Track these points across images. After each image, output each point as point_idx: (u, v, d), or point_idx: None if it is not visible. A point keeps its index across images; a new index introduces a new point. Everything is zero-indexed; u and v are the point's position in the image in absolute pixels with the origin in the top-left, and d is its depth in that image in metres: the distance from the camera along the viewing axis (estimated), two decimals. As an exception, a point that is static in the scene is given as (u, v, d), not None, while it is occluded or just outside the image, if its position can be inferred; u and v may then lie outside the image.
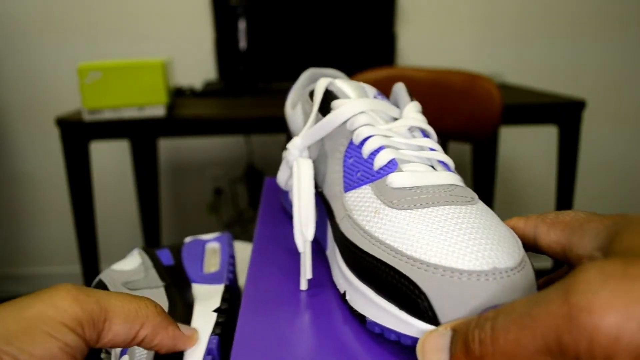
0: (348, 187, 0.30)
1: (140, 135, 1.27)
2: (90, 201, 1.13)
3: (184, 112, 1.10)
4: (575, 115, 1.13)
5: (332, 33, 1.41)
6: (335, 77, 0.39)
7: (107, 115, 1.04)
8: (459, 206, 0.25)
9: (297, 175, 0.31)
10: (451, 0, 1.54)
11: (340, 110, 0.31)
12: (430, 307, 0.22)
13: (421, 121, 0.31)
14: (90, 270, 1.16)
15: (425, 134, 0.31)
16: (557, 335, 0.16)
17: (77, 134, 1.06)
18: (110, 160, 1.58)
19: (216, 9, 1.39)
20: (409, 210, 0.25)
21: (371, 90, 0.33)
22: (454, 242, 0.23)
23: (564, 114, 1.15)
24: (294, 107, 0.39)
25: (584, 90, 1.60)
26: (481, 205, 0.26)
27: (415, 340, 0.22)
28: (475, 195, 0.27)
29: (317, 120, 0.33)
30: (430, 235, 0.24)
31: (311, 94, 0.35)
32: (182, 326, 0.26)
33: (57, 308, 0.21)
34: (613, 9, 1.57)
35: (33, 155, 1.58)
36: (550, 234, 0.24)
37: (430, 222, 0.24)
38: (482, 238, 0.23)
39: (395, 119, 0.32)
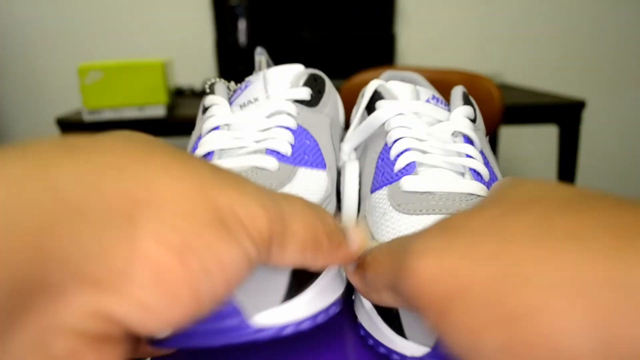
0: (374, 188, 0.29)
1: (140, 135, 1.28)
2: (90, 201, 1.13)
3: (184, 112, 1.10)
4: (575, 115, 1.13)
5: (332, 33, 1.42)
6: (411, 80, 0.38)
7: (107, 115, 1.04)
8: None
9: (344, 178, 0.31)
10: (451, 0, 1.54)
11: (381, 111, 0.31)
12: (397, 316, 0.21)
13: (465, 126, 0.29)
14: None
15: (469, 140, 0.29)
16: (393, 275, 0.16)
17: (77, 134, 1.06)
18: (110, 160, 1.58)
19: (216, 9, 1.39)
20: (413, 216, 0.25)
21: (426, 93, 0.32)
22: None
23: (564, 114, 1.15)
24: (356, 107, 0.40)
25: (584, 90, 1.60)
26: None
27: (387, 349, 0.22)
28: None
29: (362, 121, 0.33)
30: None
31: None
32: (351, 235, 0.21)
33: (247, 208, 0.16)
34: (613, 9, 1.57)
35: (33, 155, 1.59)
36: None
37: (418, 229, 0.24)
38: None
39: (440, 123, 0.31)
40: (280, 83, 0.32)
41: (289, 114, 0.30)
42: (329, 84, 0.34)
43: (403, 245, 0.17)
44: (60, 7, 1.46)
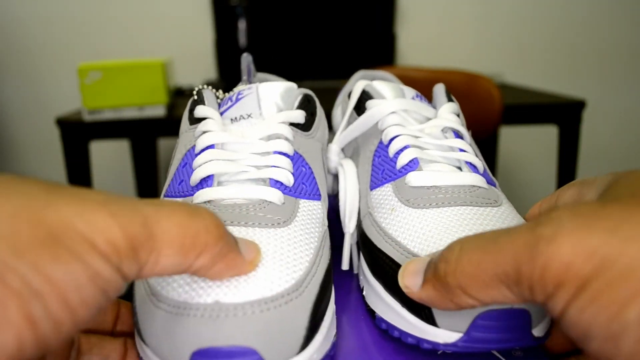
0: (373, 186, 0.30)
1: (140, 135, 1.27)
2: (90, 201, 1.13)
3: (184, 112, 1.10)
4: (575, 115, 1.13)
5: (332, 33, 1.41)
6: (384, 79, 0.39)
7: (107, 115, 1.04)
8: (476, 207, 0.25)
9: (344, 175, 0.32)
10: (451, 0, 1.54)
11: (373, 111, 0.31)
12: (425, 306, 0.21)
13: (454, 122, 0.31)
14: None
15: (458, 135, 0.30)
16: (517, 264, 0.16)
17: (77, 134, 1.06)
18: (110, 160, 1.58)
19: (216, 9, 1.39)
20: (424, 209, 0.25)
21: (410, 91, 0.33)
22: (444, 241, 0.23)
23: (564, 114, 1.15)
24: (337, 108, 0.40)
25: (584, 90, 1.60)
26: (505, 208, 0.26)
27: (415, 339, 0.22)
28: (501, 198, 0.27)
29: (351, 121, 0.34)
30: (438, 235, 0.23)
31: (350, 95, 0.36)
32: (243, 246, 0.20)
33: (88, 222, 0.14)
34: (613, 9, 1.57)
35: (33, 155, 1.58)
36: (567, 191, 0.23)
37: (442, 221, 0.24)
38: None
39: (430, 120, 0.32)
40: (273, 102, 0.30)
41: (287, 139, 0.28)
42: (319, 106, 0.33)
43: (515, 235, 0.17)
44: (60, 7, 1.46)
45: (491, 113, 0.95)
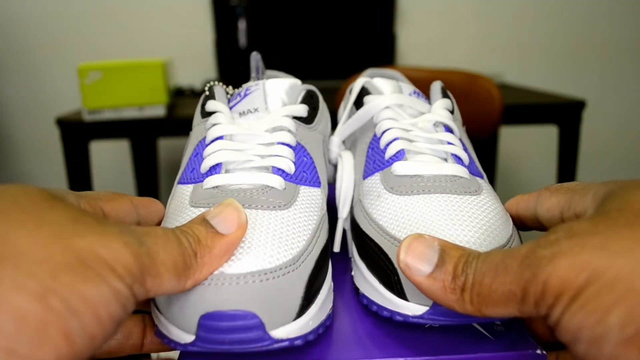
0: (365, 175, 0.32)
1: (140, 135, 1.28)
2: (90, 201, 1.13)
3: (184, 112, 1.10)
4: (575, 115, 1.13)
5: (332, 33, 1.41)
6: (391, 76, 0.41)
7: (107, 115, 1.04)
8: (455, 195, 0.27)
9: (342, 165, 0.34)
10: (451, 0, 1.54)
11: (369, 106, 0.34)
12: (398, 282, 0.24)
13: (445, 117, 0.33)
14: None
15: (449, 129, 0.32)
16: (522, 284, 0.18)
17: (77, 134, 1.06)
18: (110, 160, 1.58)
19: (216, 9, 1.39)
20: (406, 196, 0.27)
21: (408, 88, 0.35)
22: (433, 225, 0.25)
23: (564, 114, 1.15)
24: (342, 103, 0.43)
25: (584, 90, 1.60)
26: (484, 196, 0.27)
27: (390, 312, 0.24)
28: (483, 188, 0.28)
29: (351, 115, 0.36)
30: (418, 219, 0.25)
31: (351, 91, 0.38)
32: (221, 223, 0.22)
33: (109, 248, 0.17)
34: (613, 10, 1.57)
35: (33, 155, 1.58)
36: (552, 197, 0.24)
37: (422, 207, 0.26)
38: (462, 224, 0.24)
39: (423, 114, 0.34)
40: (279, 97, 0.33)
41: (290, 131, 0.31)
42: (321, 101, 0.36)
43: (522, 259, 0.18)
44: (60, 6, 1.46)
45: (491, 113, 0.95)
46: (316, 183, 0.30)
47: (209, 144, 0.30)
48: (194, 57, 1.51)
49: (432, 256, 0.21)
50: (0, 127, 1.55)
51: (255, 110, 0.32)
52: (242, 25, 1.33)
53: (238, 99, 0.33)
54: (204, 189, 0.27)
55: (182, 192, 0.28)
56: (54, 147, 1.47)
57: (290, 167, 0.29)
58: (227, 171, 0.28)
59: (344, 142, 0.38)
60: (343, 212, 0.32)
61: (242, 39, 1.34)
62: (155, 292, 0.19)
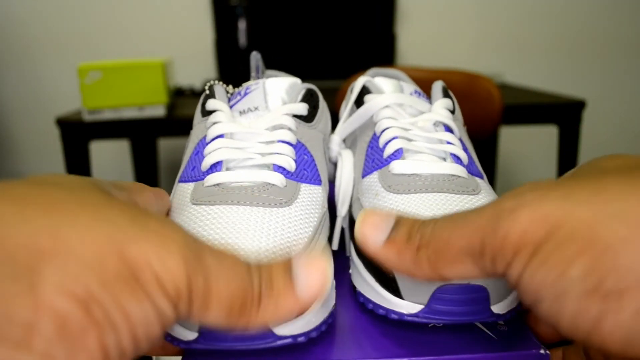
0: (364, 174, 0.32)
1: (140, 135, 1.28)
2: (90, 201, 1.13)
3: (184, 112, 1.10)
4: (575, 115, 1.13)
5: (332, 33, 1.41)
6: (395, 76, 0.41)
7: (107, 115, 1.04)
8: (452, 194, 0.27)
9: (341, 163, 0.34)
10: (451, 0, 1.54)
11: (369, 104, 0.34)
12: (394, 280, 0.24)
13: (445, 117, 0.33)
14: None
15: (448, 129, 0.32)
16: (481, 236, 0.17)
17: (77, 134, 1.06)
18: (110, 160, 1.58)
19: (216, 8, 1.39)
20: (403, 195, 0.28)
21: (409, 87, 0.35)
22: None
23: (564, 114, 1.15)
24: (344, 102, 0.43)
25: (584, 90, 1.60)
26: (482, 196, 0.28)
27: (385, 310, 0.25)
28: (481, 188, 0.28)
29: (351, 114, 0.36)
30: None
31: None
32: (303, 279, 0.19)
33: (163, 264, 0.15)
34: (613, 9, 1.57)
35: (33, 155, 1.58)
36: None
37: (418, 206, 0.26)
38: None
39: (424, 114, 0.34)
40: (279, 95, 0.33)
41: (290, 129, 0.31)
42: (322, 100, 0.36)
43: (482, 211, 0.18)
44: (60, 7, 1.46)
45: (491, 113, 0.95)
46: (317, 181, 0.30)
47: (209, 142, 0.30)
48: (194, 57, 1.51)
49: (388, 224, 0.20)
50: (0, 127, 1.55)
51: (256, 108, 0.32)
52: (242, 25, 1.33)
53: (238, 97, 0.33)
54: (205, 186, 0.27)
55: (183, 190, 0.28)
56: (54, 147, 1.47)
57: (291, 165, 0.29)
58: (227, 169, 0.29)
59: (344, 140, 0.38)
60: (342, 211, 0.32)
61: (242, 39, 1.34)
62: (198, 319, 0.17)
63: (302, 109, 0.32)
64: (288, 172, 0.29)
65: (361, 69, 1.03)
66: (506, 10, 1.56)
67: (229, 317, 0.17)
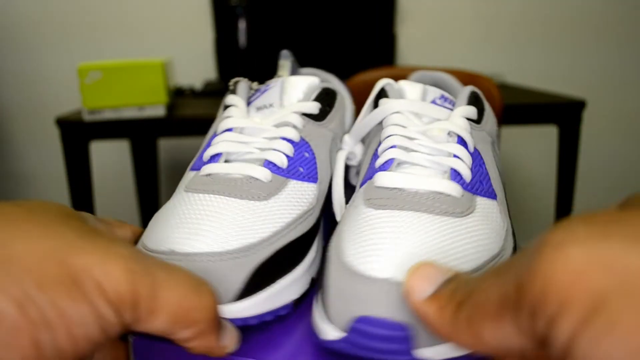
0: (362, 182, 0.30)
1: (140, 135, 1.28)
2: (90, 201, 1.13)
3: (184, 112, 1.10)
4: (575, 115, 1.13)
5: (332, 33, 1.41)
6: (440, 80, 0.40)
7: (107, 115, 1.04)
8: (431, 215, 0.24)
9: (335, 166, 0.34)
10: (451, 0, 1.54)
11: (380, 109, 0.33)
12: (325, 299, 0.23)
13: (459, 126, 0.30)
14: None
15: (462, 140, 0.29)
16: (517, 279, 0.13)
17: (77, 134, 1.06)
18: (110, 160, 1.58)
19: (216, 9, 1.38)
20: (377, 210, 0.25)
21: (434, 93, 0.33)
22: (370, 245, 0.23)
23: (564, 114, 1.15)
24: None
25: (584, 90, 1.60)
26: (470, 221, 0.25)
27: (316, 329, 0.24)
28: (476, 210, 0.26)
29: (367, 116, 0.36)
30: (367, 236, 0.24)
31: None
32: (226, 331, 0.22)
33: (105, 272, 0.17)
34: (613, 10, 1.57)
35: (33, 155, 1.58)
36: None
37: (385, 223, 0.24)
38: (403, 248, 0.22)
39: (437, 122, 0.32)
40: (293, 93, 0.34)
41: (295, 127, 0.32)
42: (340, 99, 0.36)
43: (525, 250, 0.14)
44: (60, 7, 1.46)
45: (491, 113, 0.95)
46: (312, 179, 0.31)
47: (218, 134, 0.31)
48: (194, 57, 1.51)
49: (439, 278, 0.18)
50: (0, 127, 1.55)
51: (271, 105, 0.33)
52: (242, 25, 1.33)
53: (258, 94, 0.35)
54: (199, 175, 0.29)
55: (186, 177, 0.30)
56: (54, 147, 1.47)
57: (283, 162, 0.30)
58: (226, 161, 0.30)
59: (363, 141, 0.36)
60: (338, 216, 0.33)
61: (242, 39, 1.34)
62: (143, 327, 0.18)
63: (313, 107, 0.33)
64: (278, 167, 0.29)
65: (361, 69, 1.03)
66: (506, 10, 1.56)
67: (175, 326, 0.19)
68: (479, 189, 0.27)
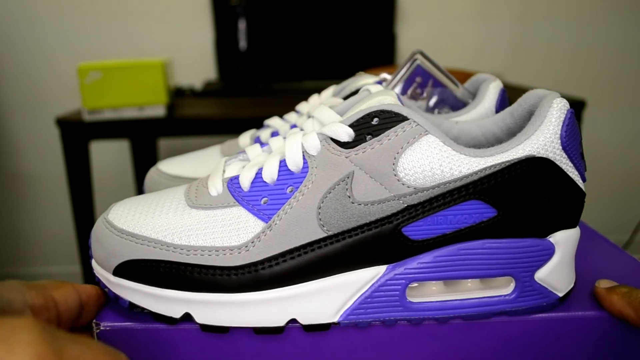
0: None
1: (140, 135, 1.27)
2: (90, 201, 1.13)
3: (184, 112, 1.10)
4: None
5: (332, 33, 1.41)
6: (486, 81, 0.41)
7: (107, 115, 1.04)
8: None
9: None
10: (451, 0, 1.54)
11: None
12: None
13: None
14: (90, 270, 1.16)
15: None
16: None
17: (77, 134, 1.06)
18: (110, 160, 1.58)
19: (216, 9, 1.38)
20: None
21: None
22: None
23: (564, 114, 1.14)
24: None
25: (584, 90, 1.60)
26: None
27: None
28: None
29: None
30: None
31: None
32: None
33: (17, 356, 0.17)
34: (613, 10, 1.57)
35: (33, 155, 1.58)
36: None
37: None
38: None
39: None
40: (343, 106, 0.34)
41: (305, 152, 0.29)
42: (403, 130, 0.28)
43: None
44: (60, 6, 1.46)
45: (491, 113, 0.95)
46: (262, 216, 0.28)
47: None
48: (194, 57, 1.51)
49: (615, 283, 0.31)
50: (0, 127, 1.55)
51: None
52: (242, 25, 1.33)
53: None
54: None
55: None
56: (54, 147, 1.47)
57: (245, 185, 0.29)
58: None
59: None
60: None
61: (242, 39, 1.34)
62: None
63: (343, 134, 0.28)
64: (238, 187, 0.30)
65: (361, 69, 1.03)
66: (506, 11, 1.56)
67: None
68: None
